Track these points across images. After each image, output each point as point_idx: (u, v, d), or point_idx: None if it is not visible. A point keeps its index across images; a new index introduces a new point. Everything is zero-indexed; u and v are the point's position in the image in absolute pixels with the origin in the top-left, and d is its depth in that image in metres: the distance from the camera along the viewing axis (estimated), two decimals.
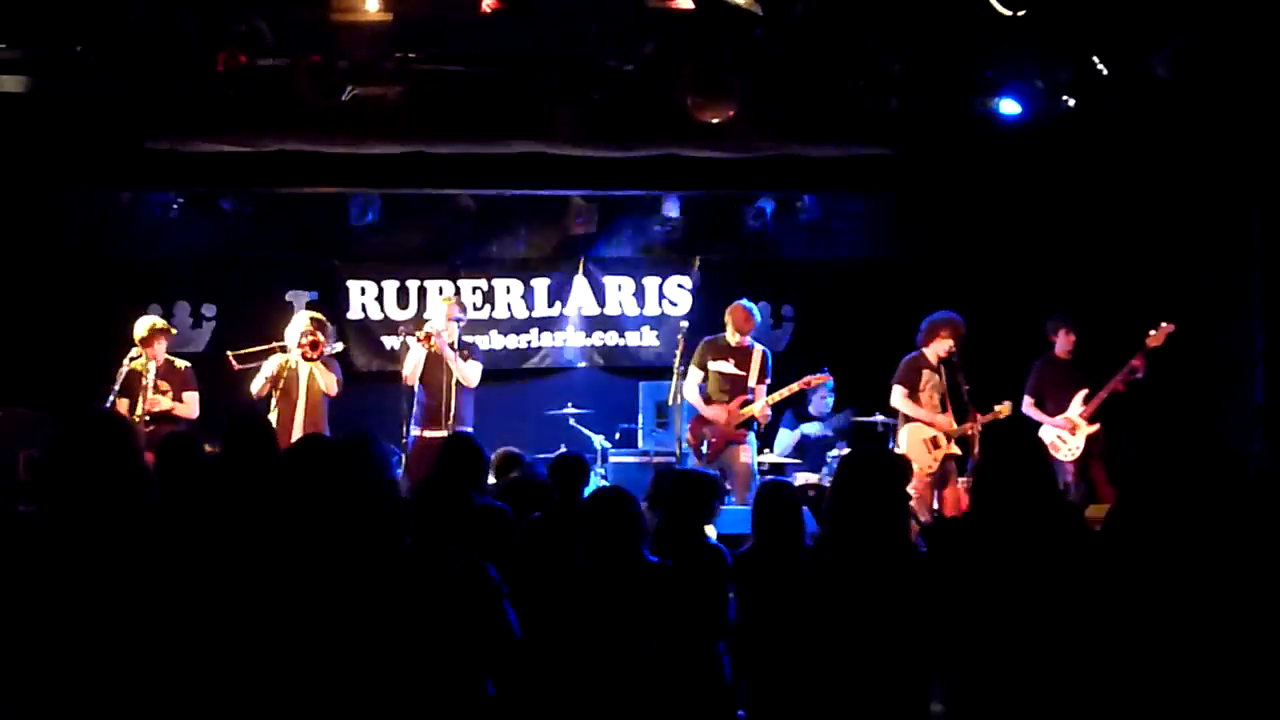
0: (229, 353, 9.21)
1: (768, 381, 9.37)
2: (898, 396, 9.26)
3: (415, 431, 9.28)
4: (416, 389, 9.38)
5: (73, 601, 3.66)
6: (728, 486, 9.42)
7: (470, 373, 9.30)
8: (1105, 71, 8.46)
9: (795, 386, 9.43)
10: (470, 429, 9.23)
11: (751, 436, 9.33)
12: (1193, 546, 3.65)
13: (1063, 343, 9.73)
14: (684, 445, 9.38)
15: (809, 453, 10.55)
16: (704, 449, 9.20)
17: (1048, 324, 9.81)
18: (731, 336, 9.34)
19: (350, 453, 4.76)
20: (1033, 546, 3.99)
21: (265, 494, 4.77)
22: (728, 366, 9.28)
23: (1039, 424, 9.44)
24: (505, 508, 5.75)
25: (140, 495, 3.92)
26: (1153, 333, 9.27)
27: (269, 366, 9.11)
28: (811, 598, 4.74)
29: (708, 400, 9.28)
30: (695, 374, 9.36)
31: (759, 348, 9.40)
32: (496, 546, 4.99)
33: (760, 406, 9.20)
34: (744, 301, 9.44)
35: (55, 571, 3.69)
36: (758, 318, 9.41)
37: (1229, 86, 8.49)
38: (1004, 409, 9.14)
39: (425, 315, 11.10)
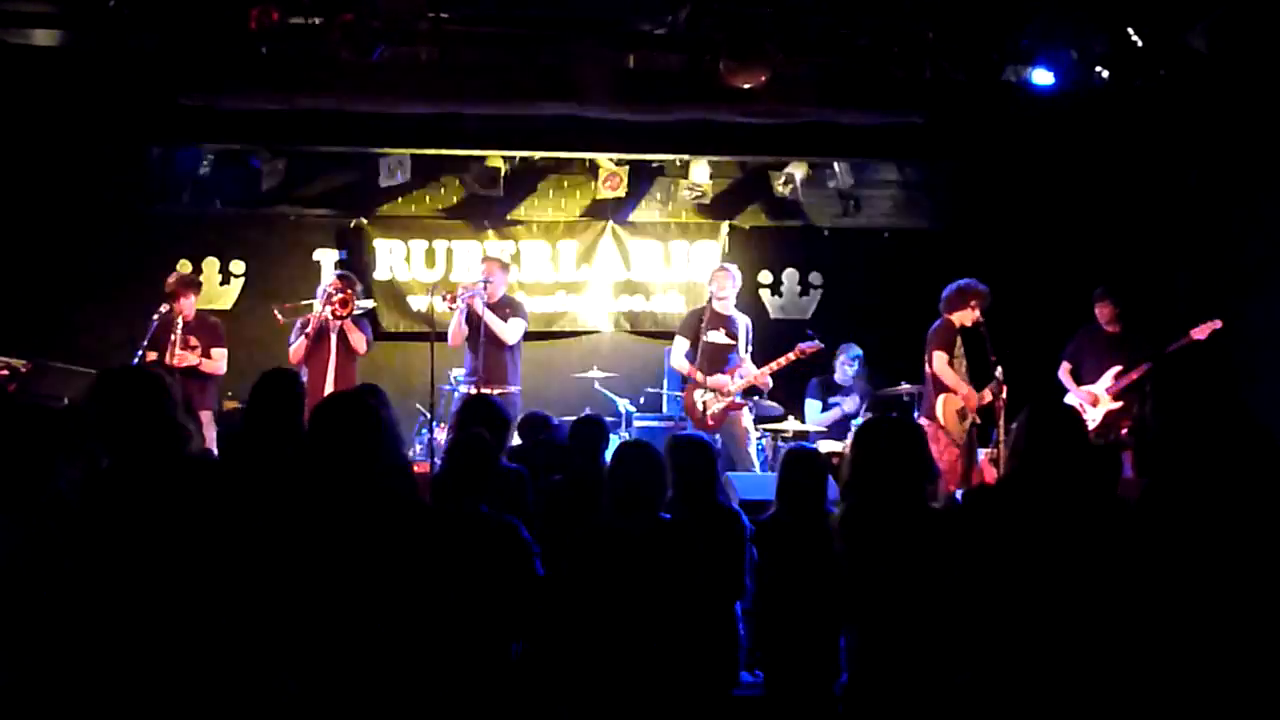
0: (275, 307, 9.22)
1: (750, 349, 9.46)
2: (940, 362, 8.94)
3: (463, 389, 9.26)
4: (464, 347, 9.42)
5: (105, 555, 3.71)
6: (730, 451, 9.46)
7: (507, 330, 9.28)
8: (1140, 43, 8.40)
9: (791, 355, 9.38)
10: (516, 388, 9.27)
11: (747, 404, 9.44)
12: (1225, 522, 3.63)
13: (1101, 315, 9.63)
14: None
15: (833, 421, 10.54)
16: (707, 419, 9.21)
17: (1093, 295, 9.74)
18: (719, 304, 9.36)
19: (369, 407, 4.77)
20: (1066, 518, 3.99)
21: (291, 449, 4.81)
22: (720, 336, 9.33)
23: (1065, 390, 9.45)
24: (522, 469, 5.77)
25: (175, 450, 3.96)
26: (1200, 326, 9.16)
27: (302, 326, 9.13)
28: (830, 563, 4.77)
29: (701, 369, 9.29)
30: (683, 343, 9.39)
31: (743, 317, 9.53)
32: (514, 508, 5.02)
33: (761, 375, 9.25)
34: (728, 265, 9.63)
35: (94, 525, 3.74)
36: (738, 281, 9.52)
37: (1266, 60, 8.41)
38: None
39: (453, 277, 11.18)
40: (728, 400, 9.22)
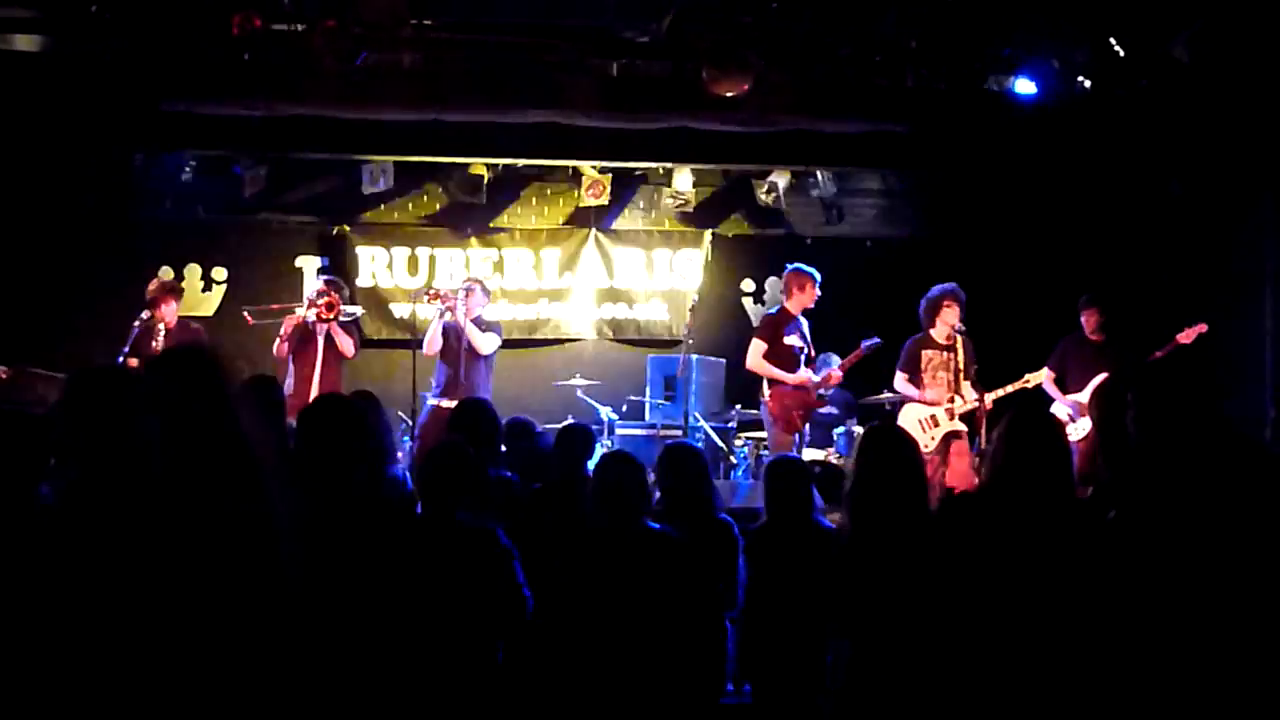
0: (245, 309, 9.19)
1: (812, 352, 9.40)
2: (899, 381, 9.25)
3: (432, 401, 9.26)
4: (436, 360, 9.38)
5: (74, 578, 3.67)
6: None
7: (484, 341, 9.25)
8: (1122, 53, 8.44)
9: (859, 354, 9.23)
10: (487, 399, 9.23)
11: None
12: (1207, 531, 3.62)
13: (1087, 323, 9.62)
14: (767, 416, 9.28)
15: (814, 430, 10.52)
16: (796, 420, 9.11)
17: (1079, 303, 9.75)
18: (795, 305, 9.24)
19: (356, 412, 4.74)
20: (1042, 528, 3.98)
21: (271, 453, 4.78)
22: (796, 339, 9.19)
23: (1051, 399, 9.42)
24: (513, 477, 5.75)
25: (143, 458, 3.89)
26: (1185, 330, 9.18)
27: (284, 324, 9.11)
28: (819, 572, 4.75)
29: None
30: (761, 346, 9.14)
31: (803, 319, 9.33)
32: (503, 515, 5.00)
33: (836, 373, 9.21)
34: (807, 267, 9.33)
35: (66, 537, 3.69)
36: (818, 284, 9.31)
37: (1247, 71, 8.46)
38: (1036, 378, 9.12)
39: (435, 284, 11.13)
40: (809, 401, 9.14)
